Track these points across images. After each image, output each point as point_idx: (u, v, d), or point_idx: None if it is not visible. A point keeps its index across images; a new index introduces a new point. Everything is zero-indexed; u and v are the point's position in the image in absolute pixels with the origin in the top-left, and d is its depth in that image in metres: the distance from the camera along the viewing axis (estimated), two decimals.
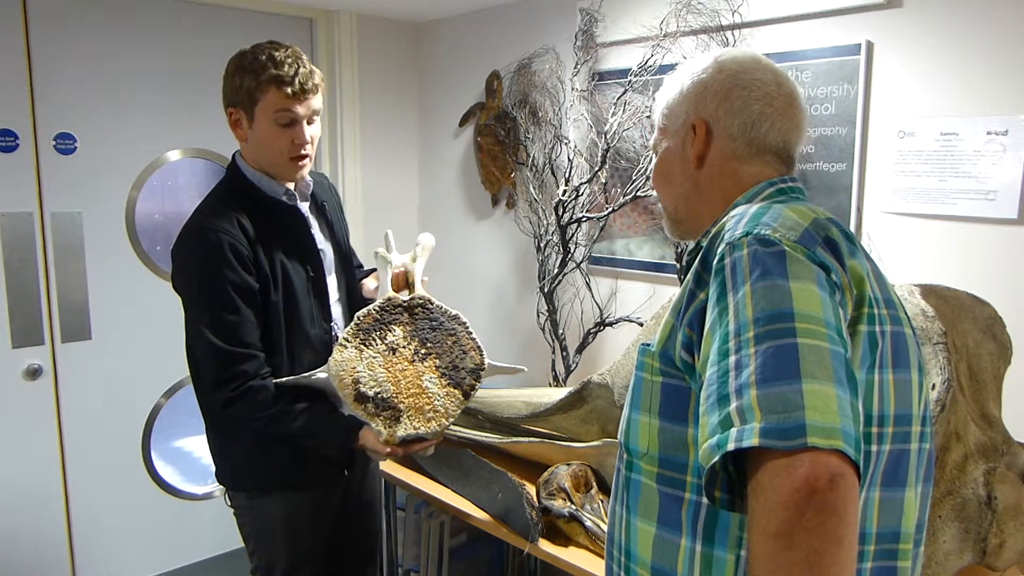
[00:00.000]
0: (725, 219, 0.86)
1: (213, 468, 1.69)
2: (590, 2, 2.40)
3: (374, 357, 1.52)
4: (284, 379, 1.54)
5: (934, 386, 1.28)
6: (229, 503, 1.70)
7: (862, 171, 1.87)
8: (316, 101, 1.55)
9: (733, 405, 0.68)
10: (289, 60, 1.50)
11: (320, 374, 1.54)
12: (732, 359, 0.71)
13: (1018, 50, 1.61)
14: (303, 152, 1.55)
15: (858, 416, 0.67)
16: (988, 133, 1.65)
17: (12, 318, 2.35)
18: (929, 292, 1.37)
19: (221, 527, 2.82)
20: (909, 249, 1.81)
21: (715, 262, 0.79)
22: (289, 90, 1.49)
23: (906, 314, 0.89)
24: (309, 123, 1.56)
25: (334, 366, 1.51)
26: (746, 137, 0.95)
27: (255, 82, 1.49)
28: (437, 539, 2.17)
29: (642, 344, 0.93)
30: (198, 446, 2.86)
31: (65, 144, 2.41)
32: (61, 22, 2.37)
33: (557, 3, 2.53)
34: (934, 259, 1.77)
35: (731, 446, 0.66)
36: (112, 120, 2.48)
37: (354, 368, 1.50)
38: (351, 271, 1.78)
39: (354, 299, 1.77)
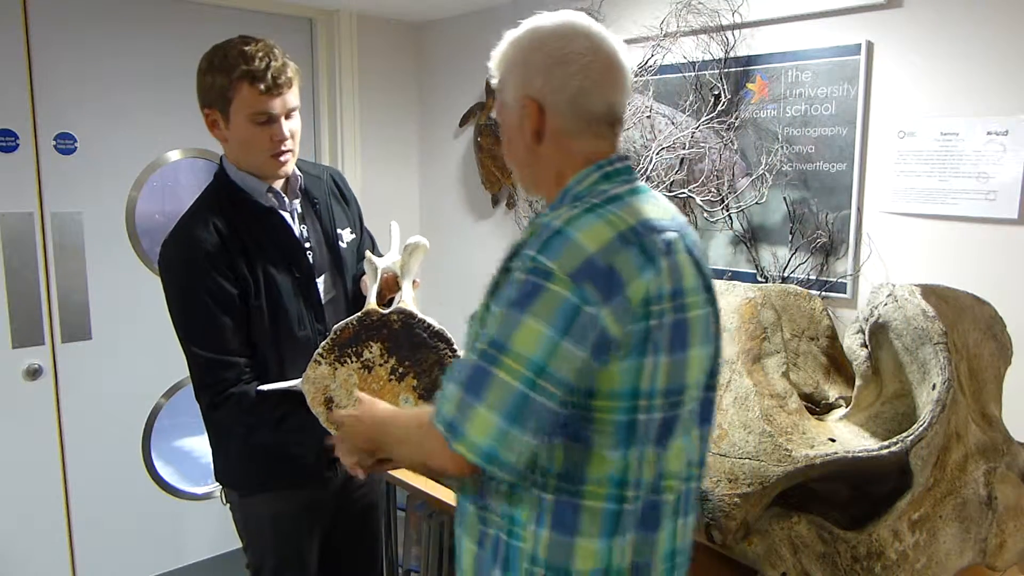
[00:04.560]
0: (544, 219, 0.97)
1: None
2: (590, 2, 2.40)
3: (349, 376, 1.46)
4: (267, 386, 1.51)
5: (934, 386, 1.28)
6: (224, 500, 1.71)
7: (862, 171, 1.87)
8: (292, 96, 1.51)
9: (450, 388, 0.95)
10: (260, 54, 1.45)
11: (300, 384, 1.50)
12: (470, 355, 0.95)
13: (1018, 50, 1.61)
14: (283, 149, 1.52)
15: (508, 436, 0.90)
16: (988, 133, 1.65)
17: (12, 318, 2.35)
18: (929, 292, 1.37)
19: (221, 527, 2.81)
20: (909, 249, 1.81)
21: (517, 264, 0.95)
22: (262, 86, 1.45)
23: (706, 293, 1.03)
24: (287, 118, 1.52)
25: (306, 383, 1.47)
26: (572, 111, 1.02)
27: (227, 80, 1.45)
28: (437, 539, 2.17)
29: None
30: (198, 446, 2.86)
31: (65, 144, 2.41)
32: (61, 22, 2.37)
33: (557, 3, 2.53)
34: (934, 259, 1.77)
35: (435, 418, 0.96)
36: (112, 120, 2.48)
37: (327, 387, 1.46)
38: (344, 269, 1.72)
39: (354, 296, 1.75)
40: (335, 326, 1.48)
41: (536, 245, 0.93)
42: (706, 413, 1.09)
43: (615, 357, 0.93)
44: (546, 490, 1.00)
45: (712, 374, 1.08)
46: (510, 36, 1.08)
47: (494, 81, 1.11)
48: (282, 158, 1.53)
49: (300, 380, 1.49)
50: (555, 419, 0.95)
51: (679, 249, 0.99)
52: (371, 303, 1.52)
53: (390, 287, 1.62)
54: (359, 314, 1.49)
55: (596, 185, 1.02)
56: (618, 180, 1.03)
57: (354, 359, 1.46)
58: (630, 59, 1.07)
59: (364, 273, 1.79)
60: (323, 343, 1.47)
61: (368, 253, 1.63)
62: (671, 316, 0.96)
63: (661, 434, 1.00)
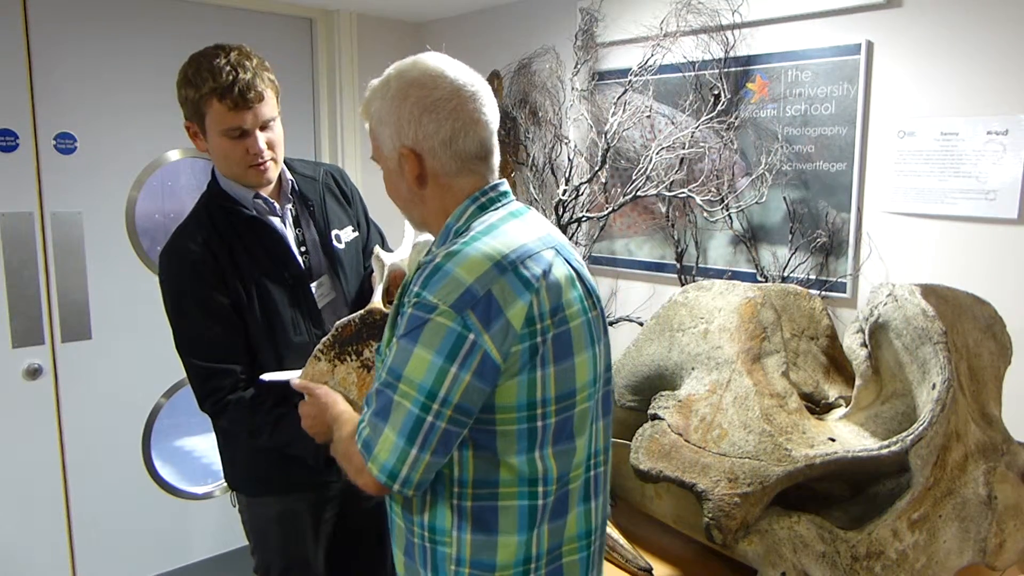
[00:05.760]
0: (427, 257, 1.06)
1: (215, 468, 1.70)
2: (590, 2, 2.40)
3: (347, 374, 1.44)
4: (268, 376, 1.50)
5: (934, 386, 1.28)
6: (233, 503, 1.73)
7: (862, 171, 1.87)
8: (265, 108, 1.49)
9: (367, 414, 1.07)
10: (227, 68, 1.44)
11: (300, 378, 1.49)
12: (377, 384, 1.06)
13: (1018, 50, 1.61)
14: (260, 160, 1.52)
15: (406, 455, 1.02)
16: (988, 133, 1.65)
17: (12, 318, 2.35)
18: (929, 292, 1.37)
19: (221, 527, 2.82)
20: (909, 249, 1.81)
21: (406, 300, 1.05)
22: (229, 102, 1.44)
23: (591, 301, 1.12)
24: (263, 129, 1.51)
25: (304, 379, 1.44)
26: (448, 153, 1.09)
27: (197, 95, 1.46)
28: None
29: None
30: (198, 446, 2.86)
31: (65, 144, 2.41)
32: (61, 22, 2.37)
33: (557, 3, 2.53)
34: (934, 259, 1.77)
35: (357, 438, 1.08)
36: (112, 120, 2.48)
37: (325, 383, 1.43)
38: (342, 270, 1.70)
39: (361, 294, 1.74)
40: (337, 322, 1.46)
41: (420, 282, 1.02)
42: (606, 407, 1.20)
43: (504, 377, 1.02)
44: (464, 499, 1.09)
45: (607, 367, 1.19)
46: (374, 87, 1.14)
47: (365, 127, 1.17)
48: (261, 168, 1.53)
49: (300, 373, 1.47)
50: (451, 437, 1.03)
51: (556, 266, 1.07)
52: (375, 301, 1.50)
53: (398, 284, 1.59)
54: (362, 312, 1.47)
55: (473, 217, 1.10)
56: (492, 208, 1.11)
57: (354, 357, 1.44)
58: (490, 94, 1.14)
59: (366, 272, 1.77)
60: (324, 339, 1.45)
61: (377, 248, 1.61)
62: (554, 331, 1.05)
63: (559, 434, 1.09)
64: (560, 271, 1.07)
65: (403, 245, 1.62)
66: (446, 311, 0.99)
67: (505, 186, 1.15)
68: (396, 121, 1.09)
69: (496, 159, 1.16)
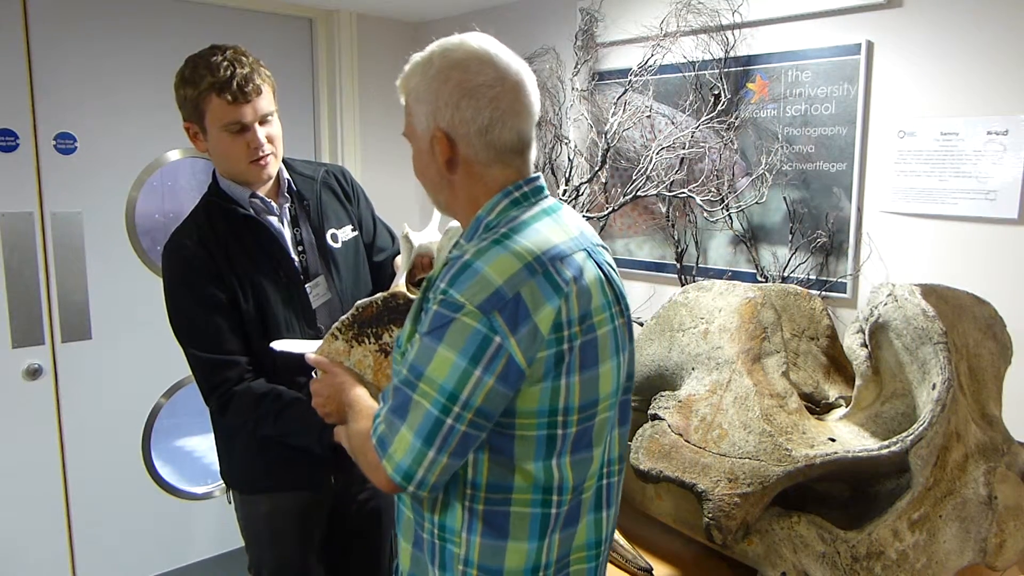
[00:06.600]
0: (455, 252, 1.02)
1: (215, 468, 1.71)
2: (590, 2, 2.40)
3: (364, 356, 1.40)
4: (280, 343, 1.49)
5: (934, 386, 1.28)
6: (229, 500, 1.74)
7: (862, 171, 1.87)
8: (263, 102, 1.52)
9: (383, 409, 1.05)
10: (224, 64, 1.47)
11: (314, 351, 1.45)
12: (396, 380, 1.04)
13: (1018, 50, 1.61)
14: (261, 154, 1.53)
15: (423, 456, 0.99)
16: (988, 133, 1.65)
17: (12, 318, 2.35)
18: (929, 292, 1.37)
19: (221, 527, 2.82)
20: (909, 249, 1.81)
21: (431, 296, 1.01)
22: (228, 96, 1.46)
23: (619, 308, 1.09)
24: (262, 124, 1.53)
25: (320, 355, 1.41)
26: (483, 142, 1.05)
27: (196, 93, 1.48)
28: None
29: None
30: (198, 446, 2.86)
31: (65, 144, 2.41)
32: (61, 22, 2.37)
33: (557, 3, 2.53)
34: (934, 259, 1.77)
35: (372, 434, 1.05)
36: (112, 120, 2.48)
37: (340, 364, 1.40)
38: (337, 270, 1.70)
39: (378, 285, 1.74)
40: (358, 302, 1.43)
41: (447, 279, 0.99)
42: (624, 415, 1.18)
43: (528, 383, 0.99)
44: (476, 502, 1.06)
45: (629, 376, 1.16)
46: (416, 62, 1.09)
47: (401, 101, 1.12)
48: (262, 162, 1.54)
49: (316, 347, 1.43)
50: (470, 440, 1.00)
51: (587, 271, 1.03)
52: (399, 284, 1.45)
53: (424, 267, 1.54)
54: (385, 294, 1.42)
55: (505, 212, 1.06)
56: (526, 204, 1.07)
57: (372, 340, 1.40)
58: (534, 82, 1.10)
59: (376, 268, 1.75)
60: (343, 317, 1.41)
61: (406, 226, 1.57)
62: (581, 338, 1.02)
63: (578, 443, 1.07)
64: (591, 275, 1.03)
65: (430, 226, 1.58)
66: (472, 311, 0.95)
67: (541, 181, 1.11)
68: (434, 101, 1.05)
69: (534, 152, 1.12)
